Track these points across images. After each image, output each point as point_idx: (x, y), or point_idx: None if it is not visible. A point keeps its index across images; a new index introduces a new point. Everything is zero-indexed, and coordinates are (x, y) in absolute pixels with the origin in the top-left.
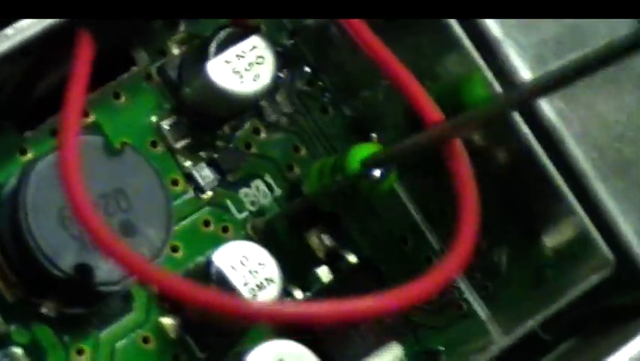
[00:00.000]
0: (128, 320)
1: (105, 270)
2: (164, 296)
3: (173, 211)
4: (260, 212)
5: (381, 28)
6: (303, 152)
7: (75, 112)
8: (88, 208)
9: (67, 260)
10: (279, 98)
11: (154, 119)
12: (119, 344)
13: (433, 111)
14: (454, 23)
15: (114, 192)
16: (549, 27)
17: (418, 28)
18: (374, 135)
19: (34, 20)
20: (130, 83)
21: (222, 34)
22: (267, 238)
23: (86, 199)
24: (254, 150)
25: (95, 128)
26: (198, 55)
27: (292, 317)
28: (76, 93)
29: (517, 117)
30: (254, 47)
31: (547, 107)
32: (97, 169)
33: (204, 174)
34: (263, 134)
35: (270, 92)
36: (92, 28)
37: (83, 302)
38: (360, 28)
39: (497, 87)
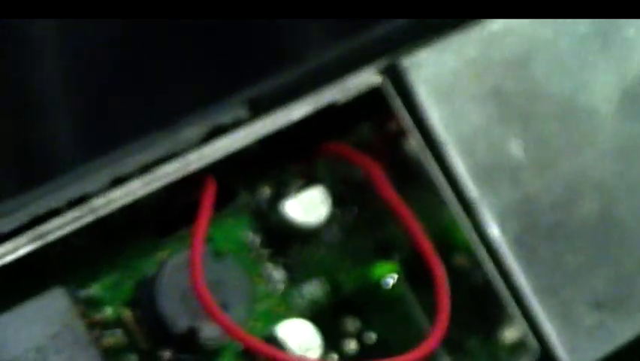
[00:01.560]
0: None
1: (208, 331)
2: (249, 352)
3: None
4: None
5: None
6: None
7: (202, 230)
8: (203, 289)
9: (182, 323)
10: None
11: (249, 234)
12: None
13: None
14: (445, 187)
15: (218, 282)
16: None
17: (420, 189)
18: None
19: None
20: (235, 209)
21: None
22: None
23: (203, 283)
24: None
25: (209, 239)
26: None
27: None
28: (203, 218)
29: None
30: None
31: None
32: (209, 266)
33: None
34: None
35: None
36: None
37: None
38: (380, 181)
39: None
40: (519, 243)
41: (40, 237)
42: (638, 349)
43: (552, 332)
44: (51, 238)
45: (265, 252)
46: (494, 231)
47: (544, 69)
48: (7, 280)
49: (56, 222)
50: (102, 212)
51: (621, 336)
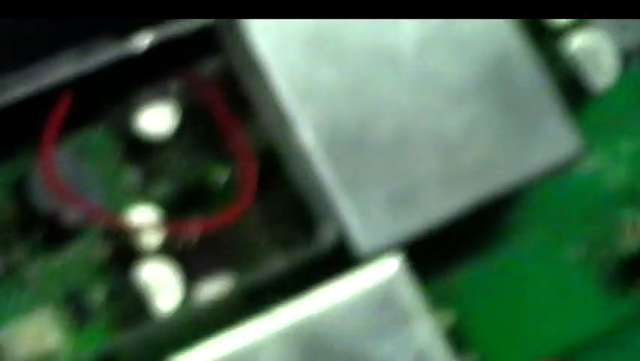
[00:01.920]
0: None
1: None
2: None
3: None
4: None
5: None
6: None
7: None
8: (55, 179)
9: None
10: None
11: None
12: None
13: None
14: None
15: (79, 175)
16: None
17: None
18: None
19: None
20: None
21: None
22: None
23: (54, 174)
24: None
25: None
26: None
27: None
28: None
29: None
30: (169, 108)
31: None
32: (70, 163)
33: (135, 176)
34: None
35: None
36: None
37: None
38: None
39: None
40: (328, 153)
41: None
42: None
43: (353, 223)
44: None
45: (124, 159)
46: (308, 142)
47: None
48: None
49: None
50: None
51: (408, 227)
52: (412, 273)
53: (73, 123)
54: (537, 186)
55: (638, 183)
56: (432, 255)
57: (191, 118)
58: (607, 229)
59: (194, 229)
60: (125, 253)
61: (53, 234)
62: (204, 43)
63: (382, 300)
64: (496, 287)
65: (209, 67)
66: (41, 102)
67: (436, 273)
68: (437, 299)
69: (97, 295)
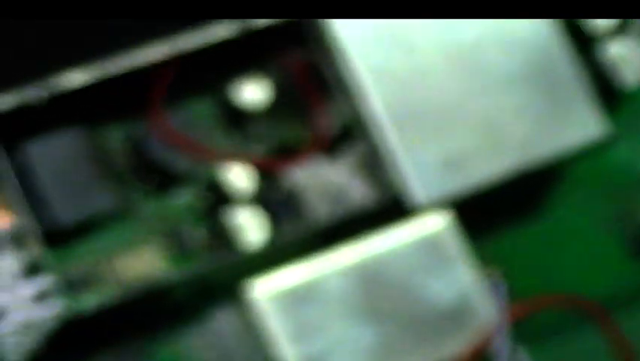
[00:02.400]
0: None
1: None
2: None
3: None
4: None
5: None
6: None
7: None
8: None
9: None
10: None
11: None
12: None
13: None
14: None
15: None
16: None
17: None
18: None
19: None
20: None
21: None
22: None
23: (170, 126)
24: None
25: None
26: None
27: None
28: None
29: None
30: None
31: None
32: None
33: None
34: None
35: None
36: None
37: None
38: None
39: None
40: (395, 123)
41: None
42: None
43: (411, 179)
44: None
45: (225, 125)
46: (380, 115)
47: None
48: None
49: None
50: None
51: (458, 187)
52: (460, 229)
53: (184, 94)
54: (575, 165)
55: None
56: (481, 218)
57: (282, 94)
58: (635, 206)
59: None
60: (222, 199)
61: (165, 181)
62: (294, 34)
63: (433, 246)
64: (536, 250)
65: (297, 54)
66: (156, 73)
67: (483, 234)
68: (484, 257)
69: (197, 233)
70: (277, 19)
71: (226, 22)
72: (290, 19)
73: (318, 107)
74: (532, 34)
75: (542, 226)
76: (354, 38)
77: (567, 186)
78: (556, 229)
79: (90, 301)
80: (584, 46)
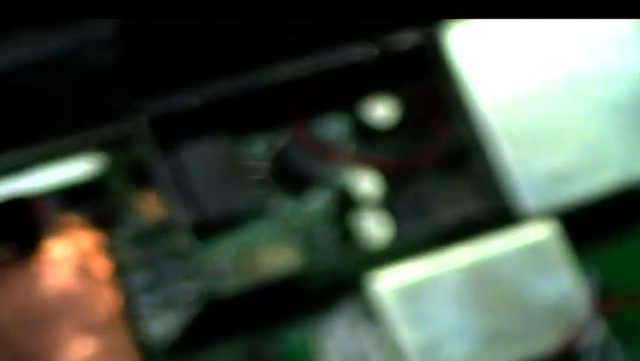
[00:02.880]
0: None
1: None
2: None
3: None
4: None
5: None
6: None
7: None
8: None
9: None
10: None
11: None
12: None
13: None
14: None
15: None
16: None
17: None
18: None
19: None
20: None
21: None
22: None
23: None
24: None
25: None
26: None
27: None
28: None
29: None
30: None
31: None
32: None
33: None
34: None
35: None
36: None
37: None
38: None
39: None
40: (510, 144)
41: None
42: None
43: (523, 191)
44: None
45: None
46: (499, 137)
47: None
48: None
49: None
50: None
51: (563, 199)
52: (564, 237)
53: (321, 110)
54: None
55: None
56: (585, 229)
57: (409, 114)
58: None
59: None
60: (351, 203)
61: (301, 185)
62: (421, 59)
63: (538, 252)
64: (636, 262)
65: (424, 78)
66: (298, 89)
67: (586, 244)
68: (585, 265)
69: (328, 232)
70: (407, 45)
71: (362, 45)
72: (418, 45)
73: (440, 127)
74: (635, 66)
75: None
76: (474, 65)
77: None
78: None
79: (229, 286)
80: None
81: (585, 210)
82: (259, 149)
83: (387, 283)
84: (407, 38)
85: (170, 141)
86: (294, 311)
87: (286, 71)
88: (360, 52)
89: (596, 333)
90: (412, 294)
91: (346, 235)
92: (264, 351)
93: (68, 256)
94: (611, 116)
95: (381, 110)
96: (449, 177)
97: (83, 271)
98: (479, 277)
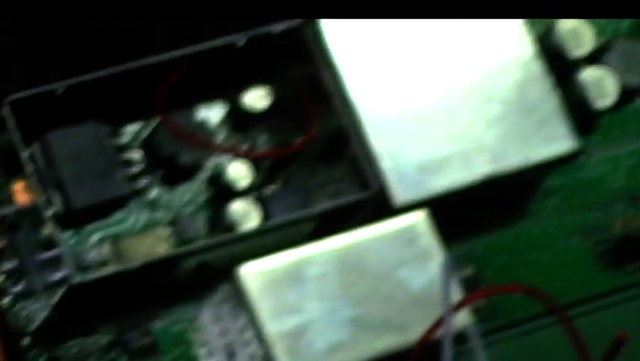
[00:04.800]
0: None
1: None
2: None
3: None
4: None
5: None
6: None
7: None
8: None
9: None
10: None
11: None
12: None
13: None
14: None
15: None
16: None
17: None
18: None
19: None
20: None
21: None
22: None
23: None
24: None
25: None
26: None
27: None
28: None
29: None
30: None
31: None
32: None
33: None
34: None
35: None
36: None
37: None
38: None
39: None
40: (380, 131)
41: None
42: None
43: (392, 181)
44: None
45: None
46: (368, 124)
47: None
48: None
49: None
50: None
51: (433, 188)
52: (434, 226)
53: (193, 97)
54: (550, 177)
55: (633, 187)
56: (457, 220)
57: (282, 101)
58: (604, 219)
59: (269, 153)
60: (222, 191)
61: (172, 173)
62: (295, 46)
63: (407, 239)
64: (507, 253)
65: (297, 65)
66: (166, 76)
67: (459, 234)
68: (459, 255)
69: (198, 220)
70: (278, 29)
71: (234, 31)
72: (291, 32)
73: (314, 115)
74: (514, 56)
75: (515, 233)
76: (347, 52)
77: (542, 197)
78: (528, 236)
79: (97, 275)
80: (564, 70)
81: (455, 199)
82: (129, 137)
83: (253, 270)
84: (280, 25)
85: (38, 129)
86: (163, 300)
87: (155, 58)
88: (233, 38)
89: (462, 323)
90: (278, 282)
91: (217, 222)
92: (132, 340)
93: None
94: (482, 106)
95: (255, 97)
96: (322, 165)
97: None
98: (347, 265)
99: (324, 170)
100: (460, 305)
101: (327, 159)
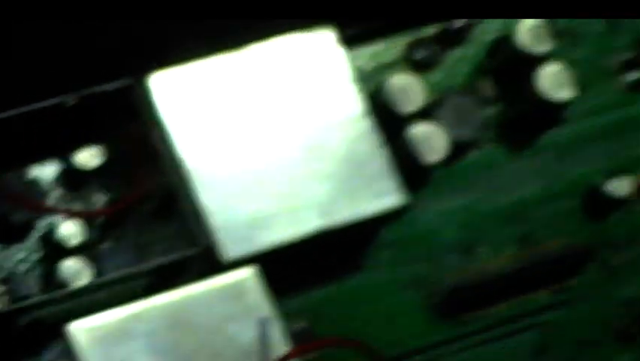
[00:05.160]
0: None
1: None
2: None
3: None
4: None
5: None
6: None
7: None
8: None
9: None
10: None
11: None
12: None
13: None
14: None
15: None
16: None
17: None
18: None
19: None
20: None
21: None
22: None
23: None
24: None
25: None
26: None
27: None
28: None
29: None
30: None
31: None
32: None
33: None
34: None
35: None
36: None
37: None
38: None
39: None
40: (208, 190)
41: None
42: None
43: (220, 238)
44: None
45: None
46: (196, 184)
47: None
48: None
49: None
50: None
51: (262, 244)
52: (264, 281)
53: (26, 156)
54: (384, 230)
55: (464, 237)
56: (290, 274)
57: (115, 158)
58: (436, 271)
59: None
60: (55, 249)
61: (3, 231)
62: (127, 103)
63: (236, 294)
64: (341, 306)
65: (130, 123)
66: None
67: (294, 290)
68: (292, 309)
69: (32, 279)
70: (111, 88)
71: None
72: (121, 90)
73: (146, 172)
74: (345, 114)
75: (349, 286)
76: (175, 109)
77: (375, 250)
78: (361, 289)
79: None
80: (395, 126)
81: (286, 254)
82: None
83: (83, 327)
84: (113, 84)
85: None
86: None
87: None
88: (62, 99)
89: None
90: (107, 338)
91: (50, 280)
92: None
93: None
94: (313, 162)
95: (88, 156)
96: (156, 222)
97: None
98: (176, 320)
99: (157, 227)
100: (285, 359)
101: (160, 216)
